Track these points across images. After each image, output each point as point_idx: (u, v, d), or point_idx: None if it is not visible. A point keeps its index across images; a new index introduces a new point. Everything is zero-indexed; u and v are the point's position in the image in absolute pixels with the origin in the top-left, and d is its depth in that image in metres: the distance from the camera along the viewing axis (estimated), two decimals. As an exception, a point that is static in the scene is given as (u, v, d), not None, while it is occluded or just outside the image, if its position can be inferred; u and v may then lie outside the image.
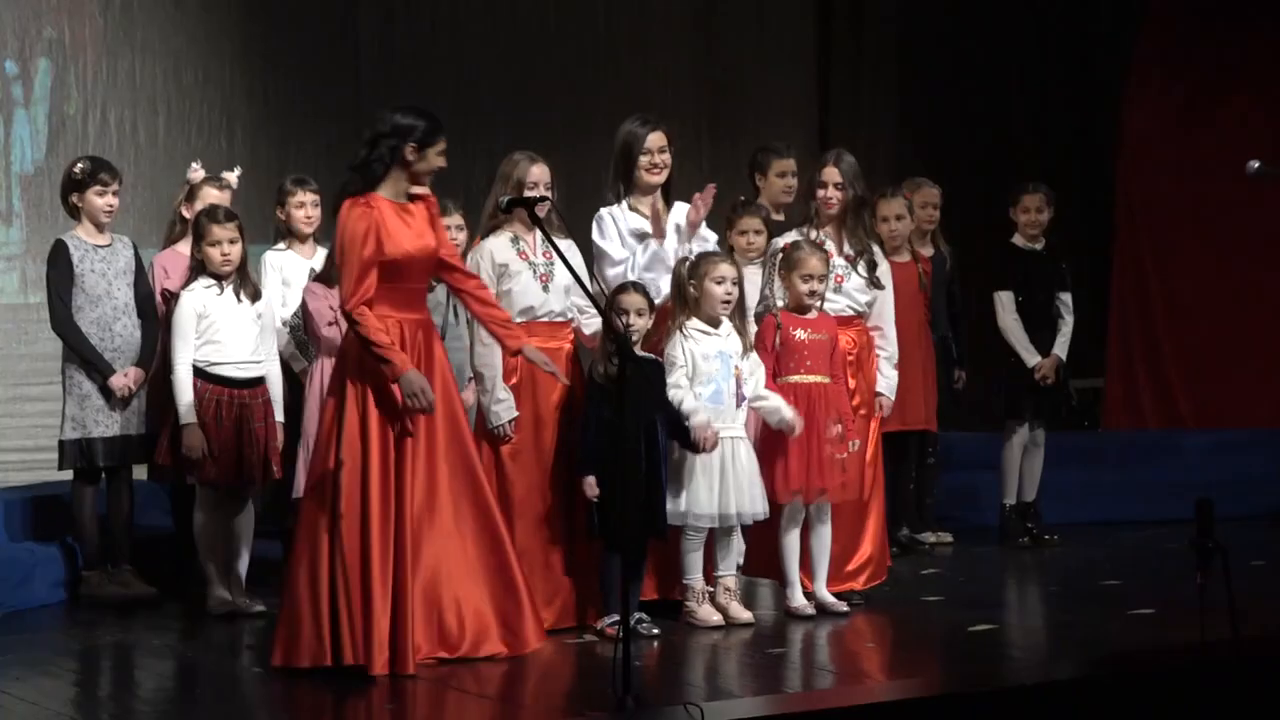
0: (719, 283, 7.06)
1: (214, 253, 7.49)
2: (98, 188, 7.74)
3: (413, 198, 6.53)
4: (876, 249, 7.67)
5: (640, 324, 6.93)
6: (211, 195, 7.97)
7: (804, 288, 7.25)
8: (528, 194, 6.91)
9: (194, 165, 8.20)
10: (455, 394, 6.60)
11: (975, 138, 12.28)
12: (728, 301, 7.09)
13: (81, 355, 7.65)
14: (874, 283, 7.60)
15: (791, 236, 7.55)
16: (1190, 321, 11.70)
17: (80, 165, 7.83)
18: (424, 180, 6.54)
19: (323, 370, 7.50)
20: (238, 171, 8.29)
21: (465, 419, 6.64)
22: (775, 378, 7.26)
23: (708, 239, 7.46)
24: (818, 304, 7.31)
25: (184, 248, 7.95)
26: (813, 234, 7.53)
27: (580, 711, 5.82)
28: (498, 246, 7.08)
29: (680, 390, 7.00)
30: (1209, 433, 11.05)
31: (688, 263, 7.15)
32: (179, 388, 7.46)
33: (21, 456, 9.32)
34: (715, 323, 7.12)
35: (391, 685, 6.17)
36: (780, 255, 7.33)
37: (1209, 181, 11.28)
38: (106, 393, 7.66)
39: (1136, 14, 12.13)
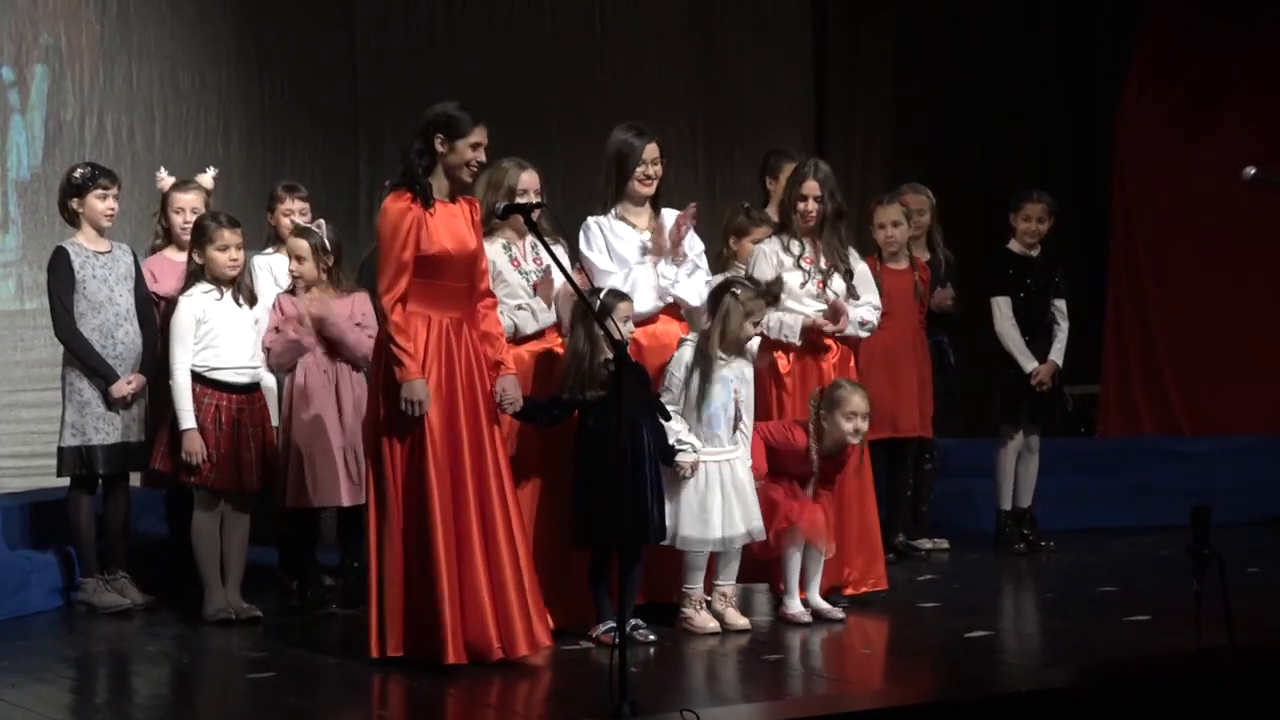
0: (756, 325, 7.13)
1: (222, 257, 7.49)
2: (99, 191, 7.72)
3: (454, 197, 6.57)
4: (853, 254, 7.71)
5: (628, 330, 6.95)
6: (183, 199, 7.97)
7: (848, 426, 7.20)
8: (519, 201, 6.91)
9: (160, 173, 8.22)
10: (483, 392, 6.55)
11: (971, 143, 12.28)
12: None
13: (86, 362, 7.62)
14: (851, 292, 7.61)
15: (770, 243, 7.56)
16: (1186, 327, 11.67)
17: (80, 170, 7.81)
18: (461, 175, 6.55)
19: (291, 380, 7.59)
20: (212, 172, 8.30)
21: (492, 418, 6.60)
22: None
23: (695, 247, 7.47)
24: (857, 440, 7.27)
25: (171, 253, 7.97)
26: (792, 243, 7.53)
27: (576, 718, 5.82)
28: (491, 252, 7.08)
29: (676, 420, 6.97)
30: (1205, 439, 11.03)
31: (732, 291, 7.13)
32: (178, 393, 7.46)
33: (17, 463, 9.31)
34: (743, 353, 7.16)
35: (385, 688, 6.17)
36: (821, 395, 7.27)
37: (1205, 187, 11.27)
38: (107, 399, 7.63)
39: (1134, 19, 12.12)
